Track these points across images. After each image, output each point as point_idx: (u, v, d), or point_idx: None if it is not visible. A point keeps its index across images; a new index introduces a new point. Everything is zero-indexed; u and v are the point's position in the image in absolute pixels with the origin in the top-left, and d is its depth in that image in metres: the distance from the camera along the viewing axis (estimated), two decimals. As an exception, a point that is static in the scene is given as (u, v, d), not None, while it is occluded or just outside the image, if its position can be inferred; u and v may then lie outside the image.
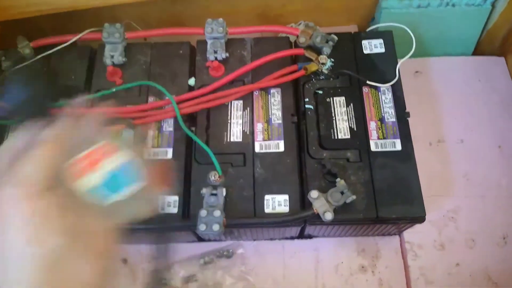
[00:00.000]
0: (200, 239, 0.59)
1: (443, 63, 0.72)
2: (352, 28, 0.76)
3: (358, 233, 0.58)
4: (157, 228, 0.49)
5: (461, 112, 0.68)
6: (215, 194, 0.49)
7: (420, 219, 0.49)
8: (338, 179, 0.49)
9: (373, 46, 0.58)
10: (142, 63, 0.59)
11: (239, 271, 0.58)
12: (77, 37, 0.58)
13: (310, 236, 0.60)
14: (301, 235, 0.59)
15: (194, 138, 0.52)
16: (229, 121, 0.55)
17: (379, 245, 0.60)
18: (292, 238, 0.60)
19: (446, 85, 0.70)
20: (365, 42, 0.59)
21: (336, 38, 0.57)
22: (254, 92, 0.56)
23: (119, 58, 0.58)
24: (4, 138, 0.55)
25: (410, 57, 0.58)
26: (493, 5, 0.69)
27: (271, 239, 0.60)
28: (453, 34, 0.72)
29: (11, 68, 0.58)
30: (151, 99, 0.56)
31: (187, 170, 0.53)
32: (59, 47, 0.58)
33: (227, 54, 0.58)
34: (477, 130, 0.66)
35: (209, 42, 0.58)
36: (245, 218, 0.49)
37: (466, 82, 0.70)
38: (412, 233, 0.59)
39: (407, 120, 0.54)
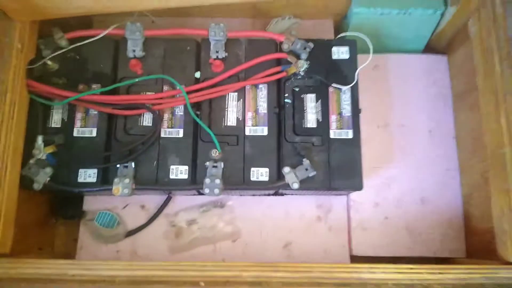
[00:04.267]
0: (200, 193, 0.78)
1: (397, 59, 0.88)
2: (328, 22, 0.90)
3: (317, 194, 0.79)
4: (172, 189, 0.68)
5: (405, 102, 0.86)
6: (216, 167, 0.68)
7: (359, 188, 0.70)
8: (304, 159, 0.68)
9: (340, 53, 0.75)
10: (157, 56, 0.73)
11: (229, 217, 0.78)
12: (105, 32, 0.71)
13: (282, 194, 0.80)
14: (276, 193, 0.80)
15: (200, 122, 0.69)
16: (227, 109, 0.72)
17: (332, 202, 0.81)
18: (269, 195, 0.80)
19: (398, 78, 0.88)
20: (334, 49, 0.75)
21: (312, 45, 0.73)
22: (247, 87, 0.73)
23: (139, 52, 0.72)
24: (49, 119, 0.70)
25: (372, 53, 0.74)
26: (442, 14, 0.84)
27: (253, 195, 0.80)
28: (408, 35, 0.88)
29: (50, 55, 0.71)
30: (165, 87, 0.72)
31: (194, 146, 0.70)
32: (91, 40, 0.71)
33: (226, 54, 0.73)
34: (415, 117, 0.86)
35: (212, 43, 0.72)
36: (237, 185, 0.68)
37: (414, 76, 0.88)
38: (356, 194, 0.80)
39: (359, 115, 0.72)
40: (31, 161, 0.67)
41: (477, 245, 0.78)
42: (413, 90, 0.87)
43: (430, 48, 0.93)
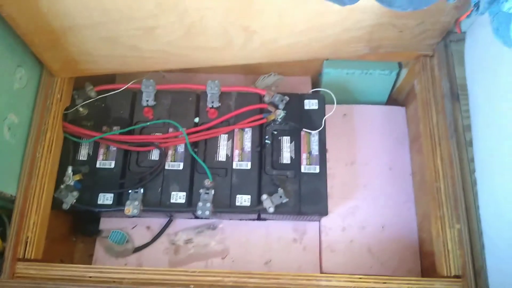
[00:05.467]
0: (196, 217, 0.95)
1: (363, 109, 1.07)
2: (306, 78, 1.10)
3: (293, 219, 0.95)
4: (172, 211, 0.85)
5: (369, 144, 1.04)
6: (208, 193, 0.85)
7: (324, 214, 0.86)
8: (279, 189, 0.85)
9: (311, 104, 0.93)
10: (165, 105, 0.93)
11: (220, 238, 0.94)
12: (125, 86, 0.91)
13: (264, 219, 0.96)
14: (259, 218, 0.96)
15: (196, 157, 0.87)
16: (218, 147, 0.90)
17: (306, 227, 0.96)
18: (253, 219, 0.96)
19: (364, 124, 1.05)
20: (306, 101, 0.93)
21: (287, 98, 0.91)
22: (235, 130, 0.91)
23: (151, 102, 0.91)
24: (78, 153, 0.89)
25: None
26: (398, 74, 1.04)
27: (240, 219, 0.96)
28: (371, 90, 1.07)
29: (81, 103, 0.91)
30: (170, 129, 0.91)
31: (191, 176, 0.88)
32: (114, 92, 0.91)
33: (220, 104, 0.92)
34: (378, 157, 1.02)
35: (208, 95, 0.91)
36: (224, 208, 0.85)
37: (376, 123, 1.06)
38: (326, 220, 0.96)
39: (325, 154, 0.90)
40: (62, 186, 0.85)
41: (428, 265, 0.92)
42: (376, 135, 1.05)
43: (394, 100, 1.12)
